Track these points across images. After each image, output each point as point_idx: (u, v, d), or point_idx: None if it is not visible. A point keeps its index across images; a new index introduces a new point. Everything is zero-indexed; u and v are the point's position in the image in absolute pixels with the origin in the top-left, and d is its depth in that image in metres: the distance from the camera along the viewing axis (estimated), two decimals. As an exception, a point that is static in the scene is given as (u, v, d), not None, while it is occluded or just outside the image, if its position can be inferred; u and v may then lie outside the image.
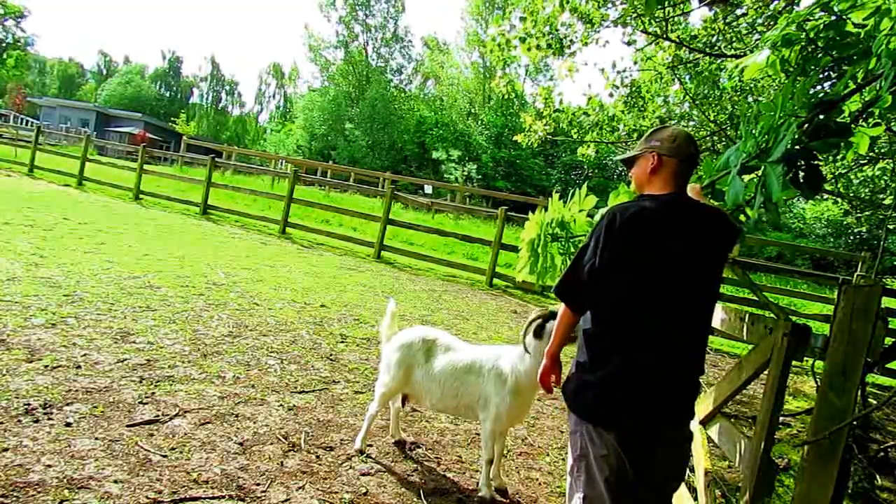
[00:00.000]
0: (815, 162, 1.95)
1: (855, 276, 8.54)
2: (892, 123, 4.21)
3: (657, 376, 1.72)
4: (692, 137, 1.86)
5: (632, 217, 1.70)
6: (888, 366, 6.29)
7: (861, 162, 6.48)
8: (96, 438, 2.58)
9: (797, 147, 1.93)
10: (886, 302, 8.28)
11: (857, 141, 2.01)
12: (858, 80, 1.97)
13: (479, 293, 8.84)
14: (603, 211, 2.10)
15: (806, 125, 1.94)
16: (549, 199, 2.77)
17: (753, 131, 2.04)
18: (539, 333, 2.47)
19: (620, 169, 30.61)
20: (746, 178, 2.08)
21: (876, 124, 2.18)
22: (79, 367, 3.31)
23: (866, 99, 1.98)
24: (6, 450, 2.35)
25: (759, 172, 1.97)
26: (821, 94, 1.99)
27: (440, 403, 2.89)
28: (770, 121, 1.97)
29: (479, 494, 2.76)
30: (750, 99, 6.46)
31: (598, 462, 1.72)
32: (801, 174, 1.95)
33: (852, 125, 2.01)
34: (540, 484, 3.05)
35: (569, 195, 2.65)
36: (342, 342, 4.89)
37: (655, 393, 1.72)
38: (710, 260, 1.79)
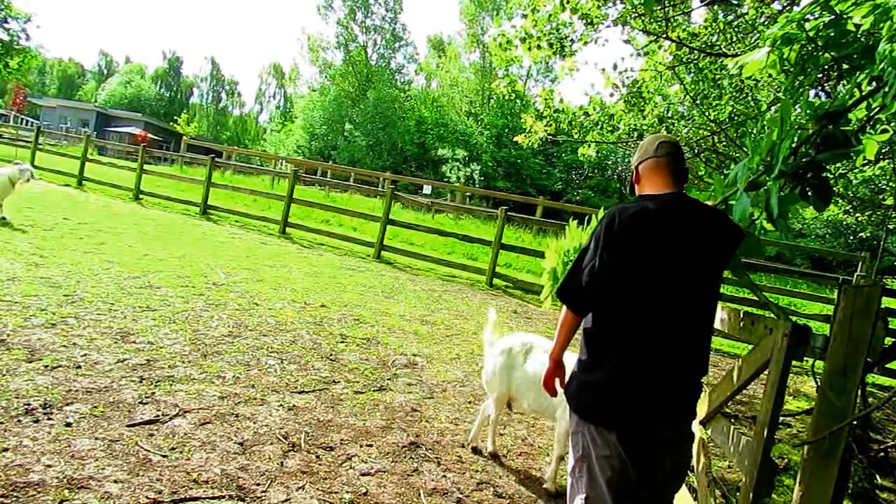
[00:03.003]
0: (824, 175, 1.96)
1: (855, 276, 8.55)
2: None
3: (658, 376, 1.72)
4: (661, 136, 1.92)
5: (631, 217, 1.70)
6: (888, 366, 6.29)
7: (861, 163, 6.48)
8: (96, 438, 2.58)
9: (805, 160, 1.95)
10: (886, 302, 8.28)
11: (864, 145, 2.02)
12: (863, 88, 1.98)
13: (479, 293, 8.84)
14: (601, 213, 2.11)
15: (814, 137, 1.95)
16: (567, 225, 2.80)
17: (759, 148, 2.06)
18: None
19: (621, 168, 30.64)
20: (754, 193, 2.11)
21: (883, 131, 2.19)
22: (79, 367, 3.31)
23: (874, 107, 1.98)
24: (6, 450, 2.35)
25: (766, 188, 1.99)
26: (826, 106, 2.00)
27: (535, 404, 3.04)
28: (773, 138, 1.99)
29: (545, 486, 2.94)
30: (750, 98, 6.46)
31: (600, 462, 1.71)
32: (810, 188, 1.97)
33: (859, 133, 2.02)
34: (540, 484, 3.05)
35: (579, 220, 2.67)
36: (342, 342, 4.89)
37: (656, 393, 1.72)
38: (711, 260, 1.79)
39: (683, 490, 2.62)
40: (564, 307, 1.82)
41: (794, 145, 1.97)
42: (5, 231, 6.80)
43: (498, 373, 3.15)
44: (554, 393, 1.99)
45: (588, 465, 1.75)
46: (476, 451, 3.30)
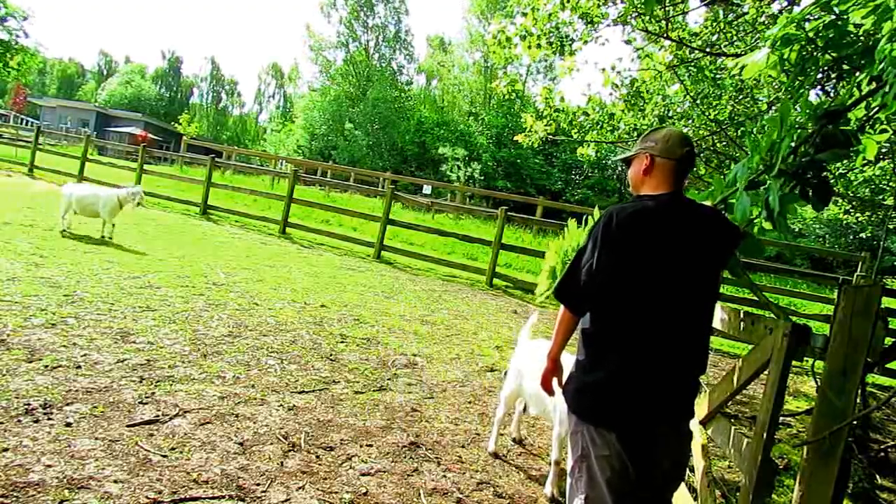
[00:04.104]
0: (824, 174, 1.96)
1: (855, 276, 8.55)
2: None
3: (656, 376, 1.72)
4: (686, 138, 1.87)
5: (629, 217, 1.70)
6: (888, 366, 6.29)
7: (861, 163, 6.48)
8: (96, 438, 2.58)
9: (804, 159, 1.95)
10: (886, 302, 8.27)
11: (865, 144, 2.02)
12: (863, 88, 1.98)
13: (479, 293, 8.84)
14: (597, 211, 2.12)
15: (813, 137, 1.95)
16: (566, 226, 2.81)
17: (759, 148, 2.06)
18: None
19: (620, 168, 30.62)
20: (754, 192, 2.11)
21: (883, 130, 2.19)
22: (79, 367, 3.31)
23: (873, 106, 1.98)
24: (6, 450, 2.35)
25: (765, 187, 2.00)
26: (826, 105, 2.00)
27: (538, 407, 3.08)
28: (773, 138, 1.99)
29: (545, 491, 2.92)
30: (750, 98, 6.46)
31: (600, 462, 1.71)
32: (810, 187, 1.97)
33: (859, 133, 2.02)
34: (540, 484, 3.05)
35: (578, 219, 2.68)
36: (342, 342, 4.89)
37: (655, 393, 1.72)
38: (709, 259, 1.79)
39: (683, 490, 2.62)
40: (562, 307, 1.82)
41: (793, 144, 1.97)
42: (6, 231, 6.80)
43: (510, 374, 3.28)
44: (552, 392, 1.99)
45: (587, 465, 1.75)
46: (517, 441, 3.57)
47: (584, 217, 2.66)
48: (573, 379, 1.84)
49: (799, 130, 1.97)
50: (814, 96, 3.82)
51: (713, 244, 1.79)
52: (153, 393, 3.17)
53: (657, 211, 1.73)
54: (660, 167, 1.82)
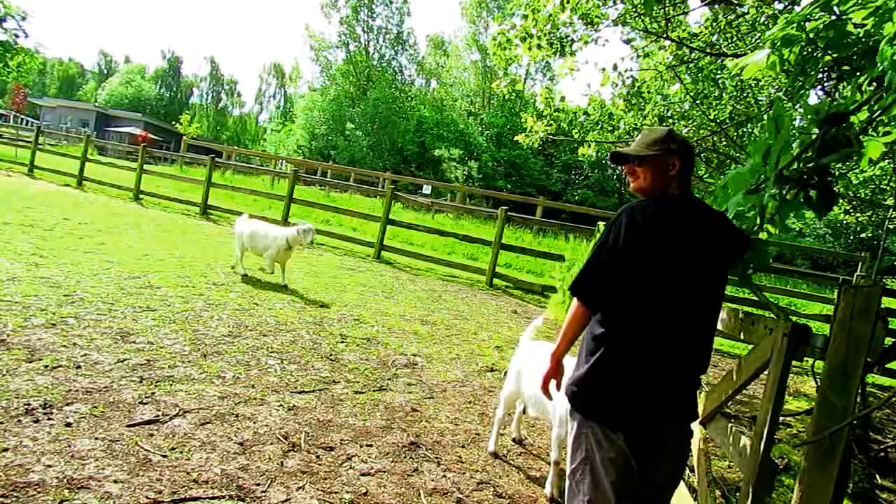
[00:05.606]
0: (828, 179, 1.96)
1: (855, 276, 8.55)
2: None
3: (664, 376, 1.72)
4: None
5: (650, 216, 1.71)
6: (888, 366, 6.28)
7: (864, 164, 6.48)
8: (96, 438, 2.58)
9: (808, 165, 1.94)
10: (886, 302, 8.27)
11: (867, 147, 2.02)
12: (864, 89, 1.98)
13: (479, 293, 8.84)
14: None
15: (817, 141, 1.95)
16: (595, 229, 2.80)
17: (758, 151, 2.06)
18: None
19: (620, 168, 30.58)
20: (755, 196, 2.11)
21: (886, 133, 2.19)
22: (79, 367, 3.31)
23: (875, 109, 1.98)
24: (6, 450, 2.35)
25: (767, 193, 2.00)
26: (826, 107, 1.99)
27: (537, 409, 3.08)
28: (769, 143, 1.99)
29: (545, 491, 2.93)
30: (750, 97, 6.47)
31: (605, 464, 1.70)
32: (814, 192, 1.96)
33: (862, 136, 2.01)
34: (540, 484, 3.05)
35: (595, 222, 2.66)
36: (342, 342, 4.89)
37: (663, 392, 1.72)
38: (718, 260, 1.80)
39: (684, 490, 2.62)
40: (575, 303, 1.80)
41: (794, 150, 1.97)
42: (6, 231, 6.80)
43: (511, 374, 3.28)
44: (549, 396, 1.97)
45: (591, 468, 1.74)
46: (517, 441, 3.58)
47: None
48: (579, 378, 1.83)
49: (802, 136, 1.97)
50: (814, 97, 3.82)
51: (722, 245, 1.81)
52: (153, 393, 3.17)
53: (674, 212, 1.75)
54: (683, 170, 1.85)
